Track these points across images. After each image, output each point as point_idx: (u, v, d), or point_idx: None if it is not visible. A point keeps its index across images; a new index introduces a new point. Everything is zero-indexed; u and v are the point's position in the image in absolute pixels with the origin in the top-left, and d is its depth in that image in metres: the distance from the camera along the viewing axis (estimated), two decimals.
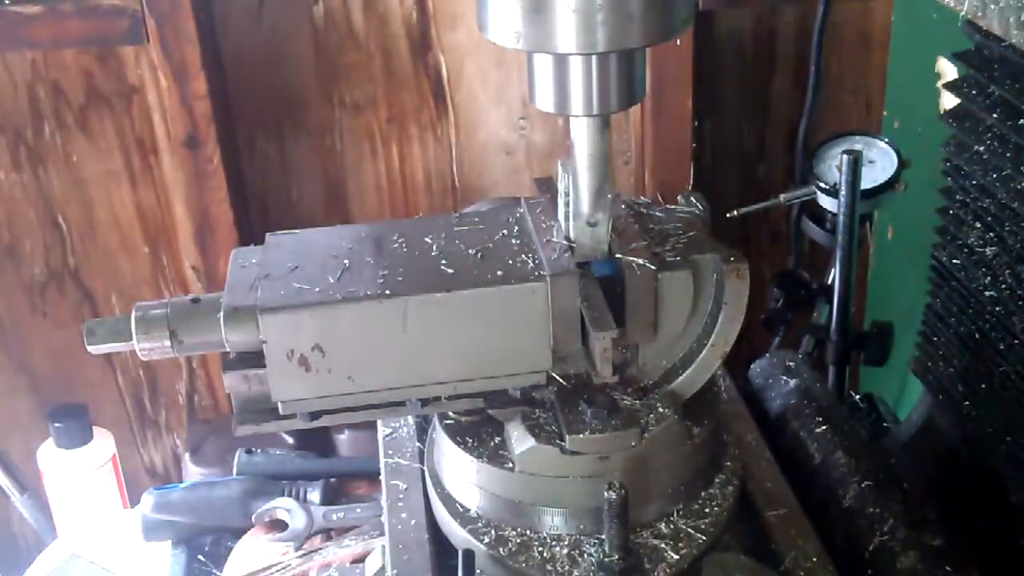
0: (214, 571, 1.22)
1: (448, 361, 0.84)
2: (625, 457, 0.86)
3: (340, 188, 1.82)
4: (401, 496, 0.97)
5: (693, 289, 0.88)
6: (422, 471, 0.99)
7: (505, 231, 0.90)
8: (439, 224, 0.92)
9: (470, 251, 0.87)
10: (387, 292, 0.82)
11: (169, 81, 1.63)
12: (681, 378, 0.90)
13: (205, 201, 1.69)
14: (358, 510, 1.20)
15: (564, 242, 0.87)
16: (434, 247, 0.88)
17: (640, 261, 0.86)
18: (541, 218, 0.91)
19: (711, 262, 0.89)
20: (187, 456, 1.70)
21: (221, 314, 0.82)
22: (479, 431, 0.92)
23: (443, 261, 0.86)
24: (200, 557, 1.24)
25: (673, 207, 0.96)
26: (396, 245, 0.89)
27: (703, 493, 0.92)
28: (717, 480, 0.93)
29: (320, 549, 1.14)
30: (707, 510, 0.91)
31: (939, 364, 1.18)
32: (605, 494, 0.81)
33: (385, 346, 0.83)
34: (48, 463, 1.74)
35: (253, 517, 1.20)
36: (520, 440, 0.88)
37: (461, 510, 0.92)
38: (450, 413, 0.92)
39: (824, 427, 1.07)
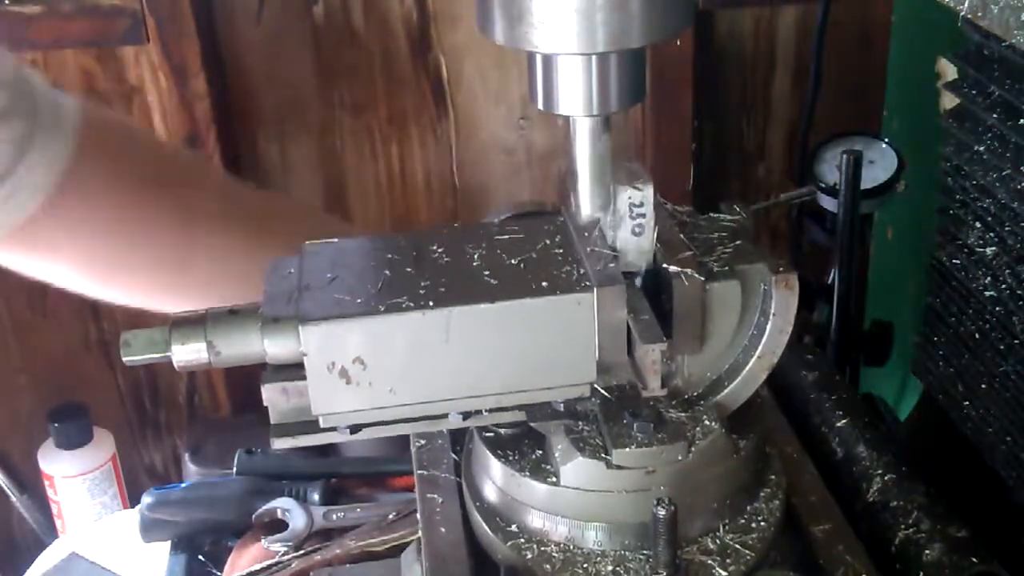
0: (214, 571, 1.21)
1: (491, 373, 0.82)
2: (672, 471, 0.83)
3: (340, 188, 1.82)
4: (438, 510, 0.94)
5: (741, 300, 0.86)
6: (458, 484, 0.96)
7: (547, 240, 0.87)
8: (478, 233, 0.89)
9: (512, 261, 0.84)
10: (430, 303, 0.79)
11: (169, 81, 1.63)
12: (727, 390, 0.88)
13: None
14: (358, 510, 1.20)
15: (609, 252, 0.85)
16: (475, 257, 0.85)
17: (688, 271, 0.83)
18: (582, 227, 0.88)
19: (759, 272, 0.86)
20: (187, 456, 1.70)
21: (260, 325, 0.80)
22: (520, 444, 0.89)
23: (486, 271, 0.83)
24: (200, 557, 1.24)
25: (716, 216, 0.94)
26: (436, 255, 0.86)
27: (748, 508, 0.89)
28: (762, 494, 0.90)
29: (320, 549, 1.14)
30: (753, 525, 0.87)
31: (939, 364, 1.18)
32: (654, 510, 0.78)
33: (428, 358, 0.80)
34: (48, 463, 1.74)
35: (253, 517, 1.20)
36: (565, 454, 0.85)
37: (502, 525, 0.89)
38: (489, 425, 0.90)
39: (845, 420, 1.06)
